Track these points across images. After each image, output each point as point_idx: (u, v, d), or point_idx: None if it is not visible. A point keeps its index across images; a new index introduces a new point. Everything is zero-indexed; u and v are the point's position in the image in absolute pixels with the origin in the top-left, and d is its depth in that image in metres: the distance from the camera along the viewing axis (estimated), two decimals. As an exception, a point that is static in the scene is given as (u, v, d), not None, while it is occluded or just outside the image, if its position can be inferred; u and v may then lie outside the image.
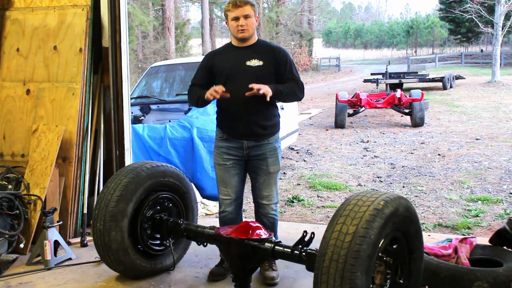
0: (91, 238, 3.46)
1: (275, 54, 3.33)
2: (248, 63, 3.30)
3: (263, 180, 3.41)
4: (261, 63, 3.29)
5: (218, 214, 3.61)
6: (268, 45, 3.43)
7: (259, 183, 3.43)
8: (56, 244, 3.80)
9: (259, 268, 3.38)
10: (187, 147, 5.57)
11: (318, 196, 5.96)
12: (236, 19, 3.25)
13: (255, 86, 3.14)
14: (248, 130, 3.33)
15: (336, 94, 11.76)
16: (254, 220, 3.44)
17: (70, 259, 3.86)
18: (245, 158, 3.40)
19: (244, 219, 3.55)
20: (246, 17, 3.24)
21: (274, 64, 3.32)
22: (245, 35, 3.28)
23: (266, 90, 3.14)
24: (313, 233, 2.87)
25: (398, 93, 11.73)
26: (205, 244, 3.32)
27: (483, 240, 3.58)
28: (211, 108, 6.03)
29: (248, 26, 3.26)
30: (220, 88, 3.21)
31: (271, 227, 3.45)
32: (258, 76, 3.27)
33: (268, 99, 3.16)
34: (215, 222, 3.86)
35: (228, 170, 3.42)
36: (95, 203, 3.48)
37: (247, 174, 3.54)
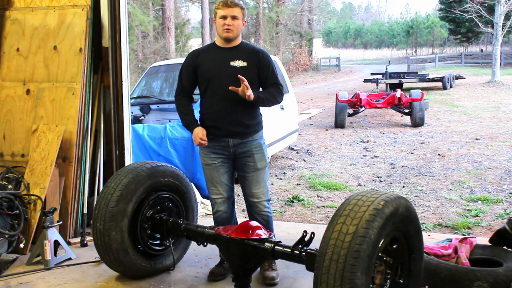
0: (91, 238, 3.46)
1: (258, 57, 3.37)
2: (232, 63, 3.33)
3: (252, 177, 3.42)
4: (245, 64, 3.33)
5: (212, 215, 3.61)
6: (252, 48, 3.48)
7: (248, 180, 3.44)
8: (56, 244, 3.80)
9: (259, 268, 3.38)
10: (187, 147, 5.58)
11: (318, 196, 5.96)
12: (224, 17, 3.29)
13: (245, 83, 3.17)
14: (231, 128, 3.35)
15: (336, 94, 11.75)
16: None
17: (70, 259, 3.86)
18: (232, 156, 3.42)
19: (244, 219, 3.55)
20: (233, 18, 3.29)
21: (257, 67, 3.36)
22: (229, 35, 3.31)
23: (249, 94, 3.20)
24: (313, 233, 2.87)
25: (398, 93, 11.73)
26: (205, 244, 3.32)
27: (483, 240, 3.58)
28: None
29: (234, 27, 3.30)
30: (198, 137, 3.33)
31: (266, 225, 3.43)
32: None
33: (248, 97, 3.22)
34: (215, 222, 3.86)
35: (217, 169, 3.43)
36: (95, 203, 3.48)
37: (236, 174, 3.54)
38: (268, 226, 3.45)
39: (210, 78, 3.35)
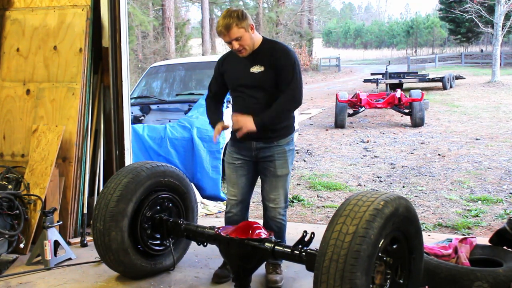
0: (91, 238, 3.46)
1: (272, 57, 3.22)
2: (251, 70, 3.24)
3: (270, 182, 3.37)
4: (262, 69, 3.22)
5: (224, 213, 3.59)
6: (270, 48, 3.28)
7: (266, 184, 3.40)
8: (56, 244, 3.80)
9: (264, 271, 3.38)
10: (187, 147, 5.58)
11: (318, 196, 5.96)
12: (229, 43, 3.20)
13: (240, 122, 3.19)
14: (256, 133, 3.26)
15: (336, 94, 11.75)
16: (255, 221, 3.43)
17: (70, 259, 3.86)
18: (254, 160, 3.38)
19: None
20: (237, 39, 3.16)
21: (273, 68, 3.22)
22: (243, 55, 3.24)
23: (249, 129, 3.17)
24: (313, 233, 2.87)
25: (398, 93, 11.72)
26: (205, 244, 3.32)
27: (483, 240, 3.58)
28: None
29: (243, 45, 3.18)
30: (218, 131, 3.35)
31: (278, 232, 3.39)
32: (260, 83, 3.22)
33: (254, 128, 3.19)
34: (215, 222, 3.86)
35: (236, 169, 3.41)
36: (95, 203, 3.48)
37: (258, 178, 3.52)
38: (280, 234, 3.40)
39: (234, 86, 3.35)
